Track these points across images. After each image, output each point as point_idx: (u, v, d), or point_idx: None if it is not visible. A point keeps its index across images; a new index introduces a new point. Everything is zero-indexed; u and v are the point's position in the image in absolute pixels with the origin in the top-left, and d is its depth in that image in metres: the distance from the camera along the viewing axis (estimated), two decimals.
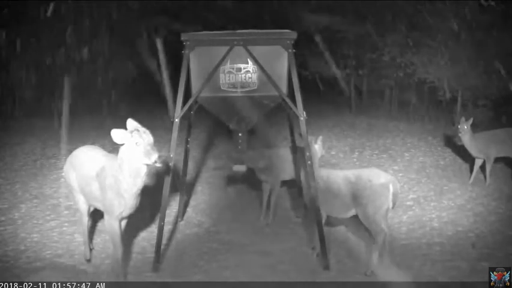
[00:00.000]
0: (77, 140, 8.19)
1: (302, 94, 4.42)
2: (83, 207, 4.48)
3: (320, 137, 4.93)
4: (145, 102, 12.36)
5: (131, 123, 3.80)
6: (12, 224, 5.35)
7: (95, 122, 9.86)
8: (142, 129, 3.77)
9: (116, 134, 3.73)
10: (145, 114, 10.18)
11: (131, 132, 3.74)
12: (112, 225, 4.03)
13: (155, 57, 11.55)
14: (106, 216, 4.10)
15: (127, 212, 4.04)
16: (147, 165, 3.78)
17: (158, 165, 3.76)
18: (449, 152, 7.67)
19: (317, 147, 4.87)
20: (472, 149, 6.51)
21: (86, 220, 4.53)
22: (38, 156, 7.45)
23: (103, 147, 7.74)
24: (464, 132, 6.39)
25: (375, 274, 4.28)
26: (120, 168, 3.85)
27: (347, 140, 8.45)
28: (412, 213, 5.76)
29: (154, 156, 3.71)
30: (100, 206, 4.20)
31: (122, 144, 3.81)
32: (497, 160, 6.60)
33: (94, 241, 4.93)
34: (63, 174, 4.62)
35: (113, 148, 7.57)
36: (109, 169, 3.98)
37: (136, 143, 3.71)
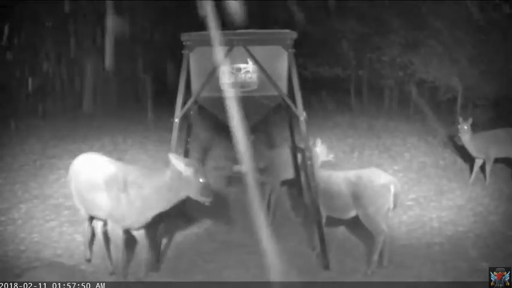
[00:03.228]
0: (79, 140, 8.20)
1: (302, 94, 4.42)
2: (85, 215, 4.39)
3: (319, 140, 4.93)
4: (145, 101, 12.37)
5: (174, 157, 3.82)
6: (12, 224, 5.34)
7: (96, 122, 9.87)
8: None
9: (179, 164, 3.75)
10: (146, 113, 10.21)
11: (194, 168, 3.76)
12: (117, 233, 4.00)
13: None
14: (110, 224, 4.03)
15: (137, 225, 4.02)
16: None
17: (207, 204, 3.85)
18: (449, 152, 7.67)
19: (318, 150, 4.86)
20: (472, 149, 6.51)
21: (87, 225, 4.46)
22: (38, 156, 7.44)
23: (102, 148, 7.82)
24: (464, 132, 6.39)
25: (375, 274, 4.29)
26: (159, 192, 3.81)
27: (347, 140, 8.45)
28: (412, 213, 5.76)
29: (210, 197, 3.79)
30: (101, 215, 4.11)
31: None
32: (497, 160, 6.60)
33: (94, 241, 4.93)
34: (68, 179, 4.49)
35: (114, 148, 7.61)
36: (133, 184, 3.88)
37: (201, 180, 3.75)
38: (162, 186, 3.82)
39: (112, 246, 4.17)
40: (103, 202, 3.99)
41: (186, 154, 5.40)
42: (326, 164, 5.05)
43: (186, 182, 3.75)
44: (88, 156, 4.41)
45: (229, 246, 4.98)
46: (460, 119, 6.47)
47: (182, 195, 3.83)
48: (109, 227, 4.09)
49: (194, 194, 3.78)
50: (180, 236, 5.23)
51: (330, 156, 5.08)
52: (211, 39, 4.49)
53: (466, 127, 6.37)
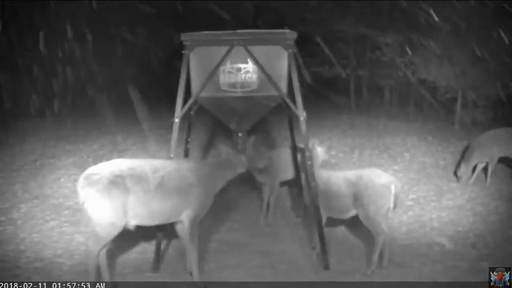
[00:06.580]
0: (79, 140, 8.19)
1: (302, 94, 4.42)
2: (111, 236, 3.70)
3: (317, 143, 4.93)
4: (146, 101, 12.35)
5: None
6: (12, 224, 5.35)
7: (94, 122, 9.85)
8: None
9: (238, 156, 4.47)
10: (146, 113, 10.18)
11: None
12: (196, 228, 4.06)
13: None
14: (189, 223, 4.00)
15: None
16: None
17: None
18: (449, 152, 7.66)
19: (319, 150, 4.86)
20: (476, 157, 6.55)
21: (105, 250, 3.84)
22: (38, 156, 7.43)
23: (102, 147, 7.81)
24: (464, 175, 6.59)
25: (375, 274, 4.29)
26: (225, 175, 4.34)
27: (347, 140, 8.44)
28: (412, 213, 5.76)
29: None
30: (177, 217, 3.98)
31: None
32: (497, 160, 6.60)
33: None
34: (88, 199, 3.59)
35: (114, 148, 7.59)
36: (218, 172, 4.32)
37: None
38: (224, 171, 4.34)
39: (191, 246, 4.05)
40: (195, 199, 4.03)
41: (186, 154, 5.41)
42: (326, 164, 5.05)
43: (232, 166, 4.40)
44: (129, 164, 3.85)
45: (229, 246, 4.98)
46: (462, 167, 6.63)
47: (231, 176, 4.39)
48: (188, 227, 4.00)
49: (236, 172, 4.40)
50: None
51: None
52: (211, 39, 4.50)
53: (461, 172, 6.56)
